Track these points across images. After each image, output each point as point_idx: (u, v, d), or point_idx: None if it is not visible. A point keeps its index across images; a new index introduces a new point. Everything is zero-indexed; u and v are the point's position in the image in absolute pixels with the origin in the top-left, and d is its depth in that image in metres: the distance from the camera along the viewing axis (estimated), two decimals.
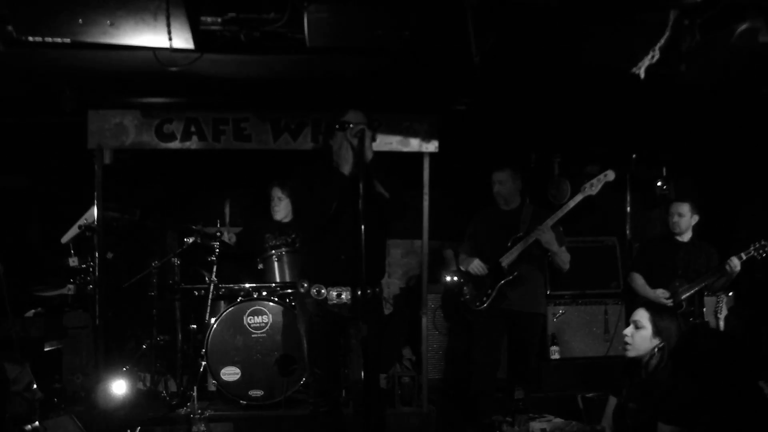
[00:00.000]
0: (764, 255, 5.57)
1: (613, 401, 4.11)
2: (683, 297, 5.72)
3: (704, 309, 5.83)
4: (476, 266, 5.64)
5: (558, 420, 4.19)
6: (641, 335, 3.95)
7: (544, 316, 5.97)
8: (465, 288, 5.80)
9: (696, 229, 5.97)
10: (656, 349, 3.90)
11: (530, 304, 5.67)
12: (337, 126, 4.23)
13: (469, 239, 5.92)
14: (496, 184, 5.80)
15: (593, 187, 5.52)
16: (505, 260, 5.60)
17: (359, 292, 3.95)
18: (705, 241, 6.00)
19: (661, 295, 5.77)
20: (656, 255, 6.04)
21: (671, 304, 5.67)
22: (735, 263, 5.57)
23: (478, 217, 5.96)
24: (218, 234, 6.14)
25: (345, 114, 4.25)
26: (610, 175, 5.53)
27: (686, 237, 5.95)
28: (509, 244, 5.61)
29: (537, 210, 5.80)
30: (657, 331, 3.91)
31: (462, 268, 5.86)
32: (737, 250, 5.62)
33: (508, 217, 5.77)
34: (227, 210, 6.84)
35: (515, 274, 5.57)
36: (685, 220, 5.90)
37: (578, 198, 5.54)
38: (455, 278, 6.25)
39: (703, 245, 5.94)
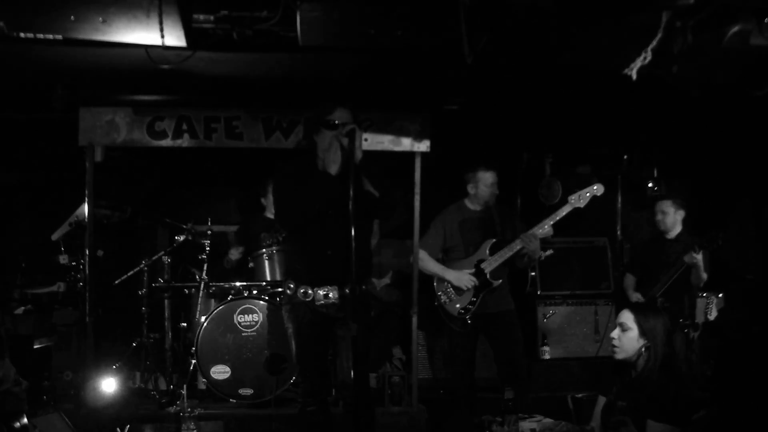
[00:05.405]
0: (720, 243, 5.55)
1: (602, 400, 4.12)
2: (658, 294, 5.74)
3: (695, 310, 5.84)
4: (467, 281, 5.54)
5: (548, 420, 4.18)
6: (628, 337, 3.96)
7: (514, 311, 5.74)
8: (442, 293, 5.70)
9: (687, 223, 5.96)
10: (643, 349, 3.91)
11: (499, 303, 5.60)
12: (324, 124, 4.17)
13: (436, 238, 5.75)
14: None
15: (581, 200, 5.49)
16: (488, 267, 5.55)
17: (347, 291, 3.92)
18: (696, 236, 5.94)
19: (636, 299, 5.85)
20: (647, 255, 6.06)
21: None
22: (696, 255, 5.57)
23: (448, 216, 5.81)
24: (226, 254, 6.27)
25: (332, 112, 4.16)
26: (599, 189, 5.52)
27: (674, 234, 5.96)
28: (488, 251, 5.57)
29: (503, 209, 5.78)
30: (643, 332, 3.93)
31: (429, 271, 5.76)
32: (726, 250, 5.63)
33: (480, 218, 5.71)
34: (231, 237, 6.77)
35: (500, 281, 5.55)
36: (669, 217, 5.92)
37: (566, 209, 5.51)
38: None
39: (690, 240, 5.85)
